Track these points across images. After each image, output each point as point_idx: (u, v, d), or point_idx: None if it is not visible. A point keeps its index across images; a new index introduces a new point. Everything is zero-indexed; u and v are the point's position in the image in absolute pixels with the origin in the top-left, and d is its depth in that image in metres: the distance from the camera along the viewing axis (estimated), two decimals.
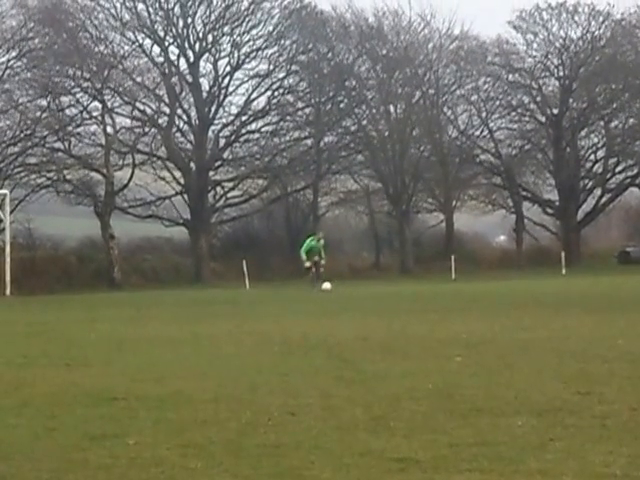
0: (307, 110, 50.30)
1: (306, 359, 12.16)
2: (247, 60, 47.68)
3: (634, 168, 54.66)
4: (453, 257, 45.75)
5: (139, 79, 46.00)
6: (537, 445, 6.87)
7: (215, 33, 47.15)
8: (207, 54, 47.39)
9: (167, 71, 46.72)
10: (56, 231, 44.95)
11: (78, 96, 44.87)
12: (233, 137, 48.33)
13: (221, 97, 47.68)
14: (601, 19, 53.25)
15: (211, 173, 47.94)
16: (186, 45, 46.85)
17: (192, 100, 47.50)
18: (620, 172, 55.04)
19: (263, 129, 48.93)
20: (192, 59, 46.95)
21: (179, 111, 47.23)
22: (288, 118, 49.44)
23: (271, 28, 47.63)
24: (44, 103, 44.09)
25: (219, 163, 48.55)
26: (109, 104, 45.15)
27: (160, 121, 46.86)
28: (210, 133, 47.88)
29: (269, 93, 48.48)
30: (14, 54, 42.89)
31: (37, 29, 43.36)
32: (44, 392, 9.76)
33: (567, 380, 9.80)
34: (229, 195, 48.39)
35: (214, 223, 48.37)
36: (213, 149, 47.73)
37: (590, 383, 9.60)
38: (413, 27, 52.18)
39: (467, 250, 51.40)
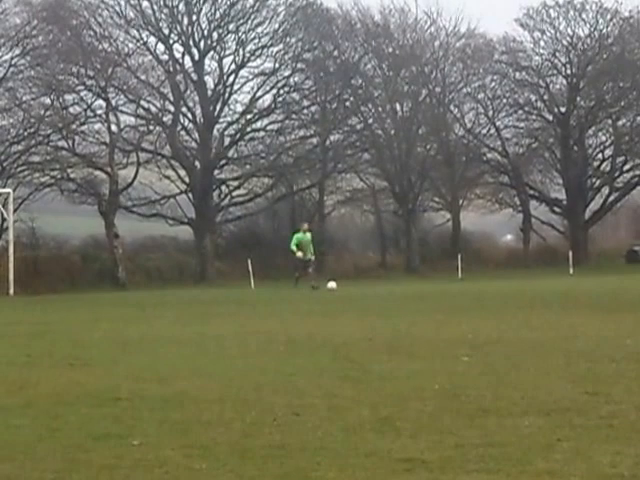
0: (313, 108, 50.12)
1: (311, 359, 12.13)
2: (252, 58, 47.48)
3: None
4: (460, 256, 45.72)
5: (143, 77, 45.69)
6: (544, 445, 6.85)
7: (220, 31, 46.93)
8: (212, 52, 47.16)
9: (172, 69, 46.49)
10: (60, 230, 44.73)
11: (82, 94, 44.56)
12: (238, 135, 48.09)
13: (226, 95, 47.46)
14: (609, 17, 53.09)
15: (216, 172, 47.67)
16: (191, 43, 46.62)
17: (197, 98, 47.24)
18: (628, 171, 54.82)
19: (268, 127, 48.72)
20: (197, 57, 46.74)
21: (184, 109, 46.96)
22: (294, 116, 49.18)
23: (277, 26, 47.47)
24: (48, 101, 43.77)
25: (224, 162, 48.30)
26: (113, 102, 44.88)
27: (165, 119, 46.57)
28: (215, 131, 47.69)
29: (274, 91, 48.24)
30: (18, 52, 42.51)
31: (41, 27, 42.96)
32: (48, 392, 9.73)
33: (575, 380, 9.77)
34: (234, 194, 48.11)
35: (219, 222, 48.18)
36: (218, 147, 47.48)
37: (598, 383, 9.56)
38: (419, 25, 52.15)
39: (474, 249, 51.28)
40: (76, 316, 22.13)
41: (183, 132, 47.66)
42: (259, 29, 47.12)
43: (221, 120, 47.78)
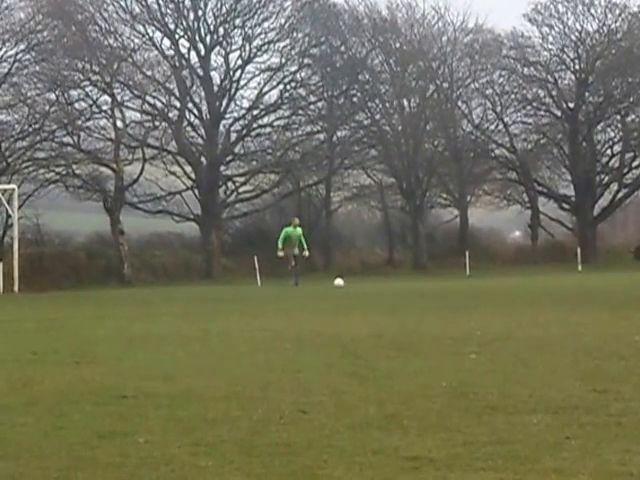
0: (320, 104, 50.05)
1: (318, 356, 12.06)
2: (259, 53, 47.38)
3: None
4: (467, 253, 45.65)
5: (149, 72, 45.58)
6: (553, 443, 6.83)
7: (226, 26, 46.80)
8: (218, 47, 47.04)
9: (178, 64, 46.35)
10: (65, 227, 44.59)
11: (87, 90, 44.45)
12: (244, 131, 47.97)
13: (232, 91, 47.32)
14: (617, 12, 52.80)
15: (222, 168, 47.59)
16: (197, 38, 46.48)
17: (203, 94, 47.16)
18: (637, 167, 54.52)
19: (275, 123, 48.60)
20: (203, 52, 46.61)
21: (190, 105, 46.84)
22: (300, 112, 49.08)
23: (283, 21, 47.35)
24: (53, 97, 43.67)
25: (230, 158, 48.18)
26: (119, 98, 44.76)
27: (170, 115, 46.44)
28: (221, 127, 47.59)
29: (281, 87, 48.12)
30: (22, 47, 42.30)
31: (46, 22, 42.77)
32: (53, 390, 9.68)
33: (583, 378, 9.73)
34: (240, 190, 48.00)
35: (225, 218, 48.06)
36: (224, 143, 47.39)
37: (606, 381, 9.51)
38: (427, 20, 51.99)
39: (482, 246, 51.14)
40: (81, 313, 22.00)
41: (189, 128, 47.54)
42: (265, 24, 47.14)
43: (227, 116, 47.76)
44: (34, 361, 12.20)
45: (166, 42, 46.35)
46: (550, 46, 53.33)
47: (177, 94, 46.34)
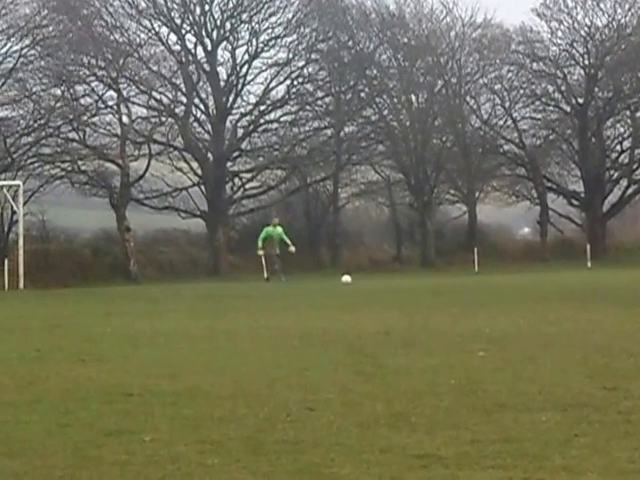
0: (327, 99, 49.84)
1: (326, 354, 12.04)
2: (266, 48, 47.21)
3: None
4: (476, 249, 45.51)
5: (155, 68, 45.42)
6: (562, 441, 6.83)
7: (233, 21, 46.64)
8: (225, 42, 46.86)
9: (184, 60, 46.23)
10: (70, 223, 44.50)
11: (93, 85, 44.34)
12: (251, 127, 47.80)
13: (239, 86, 47.17)
14: (627, 6, 52.45)
15: (229, 164, 47.38)
16: (203, 33, 46.33)
17: (209, 89, 47.00)
18: None
19: (282, 119, 48.43)
20: (209, 47, 46.44)
21: (196, 100, 46.74)
22: (307, 108, 48.87)
23: (290, 16, 47.20)
24: (58, 92, 43.43)
25: (237, 154, 47.98)
26: (125, 93, 44.63)
27: (177, 111, 46.31)
28: (228, 123, 47.36)
29: (288, 82, 47.96)
30: (27, 42, 42.09)
31: (51, 16, 42.60)
32: (58, 387, 9.68)
33: (592, 375, 9.71)
34: (247, 186, 47.88)
35: (232, 215, 47.94)
36: (231, 139, 47.21)
37: (616, 378, 9.47)
38: (435, 15, 51.78)
39: (490, 242, 50.94)
40: (87, 310, 21.89)
41: (195, 124, 47.40)
42: (272, 19, 46.98)
43: (234, 111, 47.56)
44: (39, 359, 12.19)
45: (172, 37, 46.36)
46: (559, 41, 53.20)
47: (183, 89, 46.20)
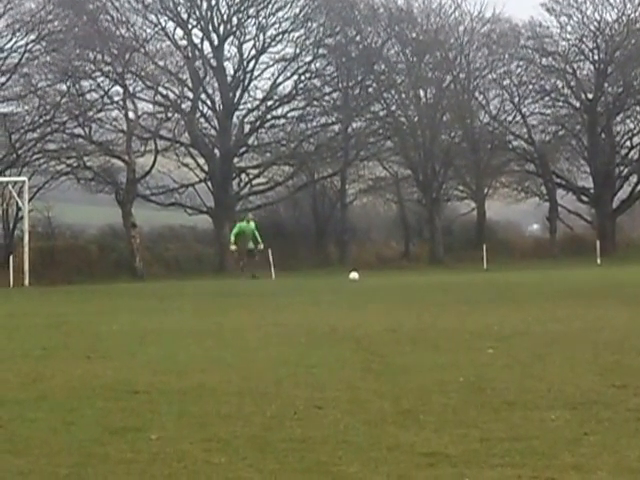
0: (334, 95, 49.63)
1: (333, 351, 12.06)
2: (273, 43, 47.15)
3: None
4: (485, 246, 45.16)
5: (162, 63, 45.31)
6: (571, 439, 6.83)
7: (240, 15, 46.56)
8: (232, 37, 46.82)
9: (190, 55, 46.16)
10: (76, 220, 44.57)
11: (99, 80, 44.21)
12: (258, 123, 47.69)
13: (246, 81, 47.10)
14: (637, 1, 52.07)
15: (236, 160, 47.30)
16: (210, 28, 46.26)
17: (216, 85, 46.91)
18: None
19: (289, 114, 48.29)
20: (216, 42, 46.37)
21: (203, 96, 46.63)
22: (315, 103, 48.71)
23: (298, 10, 47.08)
24: (64, 88, 43.40)
25: (244, 149, 47.92)
26: (131, 89, 44.48)
27: (183, 106, 46.26)
28: (235, 118, 47.28)
29: (295, 77, 47.88)
30: (33, 37, 42.03)
31: (57, 11, 42.54)
32: (63, 385, 9.70)
33: (602, 373, 9.73)
34: (254, 182, 47.78)
35: (239, 211, 47.29)
36: (238, 135, 47.07)
37: (626, 376, 9.49)
38: (444, 9, 51.46)
39: (499, 239, 50.73)
40: (92, 307, 21.89)
41: (202, 119, 47.31)
42: (280, 14, 46.88)
43: (241, 107, 47.51)
44: (44, 356, 12.17)
45: (179, 32, 46.33)
46: (568, 36, 52.87)
47: (190, 85, 46.13)
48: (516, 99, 52.57)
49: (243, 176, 47.69)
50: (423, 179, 49.47)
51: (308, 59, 47.95)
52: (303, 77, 47.96)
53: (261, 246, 35.60)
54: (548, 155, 52.54)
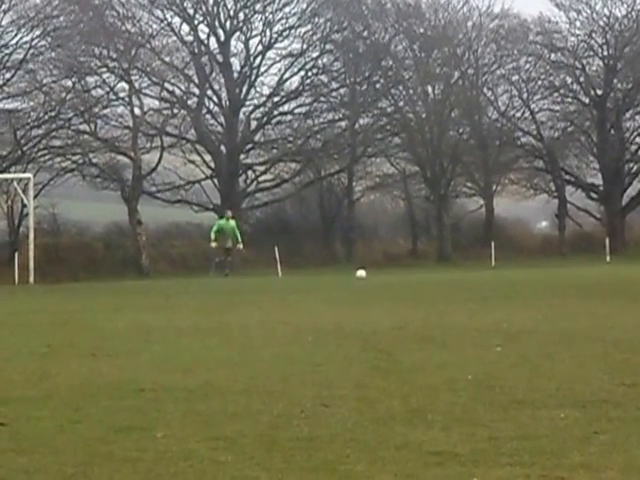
0: (342, 91, 49.43)
1: (340, 349, 12.02)
2: (279, 39, 47.00)
3: None
4: (493, 243, 45.12)
5: (168, 59, 45.17)
6: (580, 438, 6.80)
7: (246, 11, 46.41)
8: (238, 33, 46.66)
9: (197, 50, 46.05)
10: (81, 217, 44.40)
11: (104, 76, 44.04)
12: (265, 119, 47.56)
13: (252, 77, 46.96)
14: None
15: (242, 156, 47.15)
16: (216, 23, 46.09)
17: (222, 81, 46.78)
18: None
19: (296, 110, 48.17)
20: (223, 38, 46.22)
21: (209, 92, 46.51)
22: (322, 99, 48.56)
23: (304, 6, 46.91)
24: (69, 84, 43.26)
25: (250, 146, 47.78)
26: (137, 85, 44.25)
27: (189, 102, 46.12)
28: (241, 115, 47.16)
29: (302, 73, 47.72)
30: (38, 33, 41.80)
31: (62, 7, 42.28)
32: (69, 383, 9.67)
33: (611, 371, 9.67)
34: (260, 179, 47.66)
35: (245, 208, 47.65)
36: (244, 131, 46.89)
37: (635, 374, 9.45)
38: (452, 5, 51.23)
39: (507, 236, 50.48)
40: (98, 305, 21.83)
41: (208, 115, 47.27)
42: (286, 9, 46.75)
43: (247, 103, 47.47)
44: (50, 354, 12.16)
45: (185, 28, 46.16)
46: (578, 32, 52.63)
47: (196, 81, 46.02)
48: (525, 95, 52.40)
49: (249, 173, 47.57)
50: (431, 176, 49.31)
51: (315, 55, 47.85)
52: (310, 73, 47.80)
53: (240, 245, 35.67)
54: (557, 152, 52.33)
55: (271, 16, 46.37)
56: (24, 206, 39.71)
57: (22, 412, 8.16)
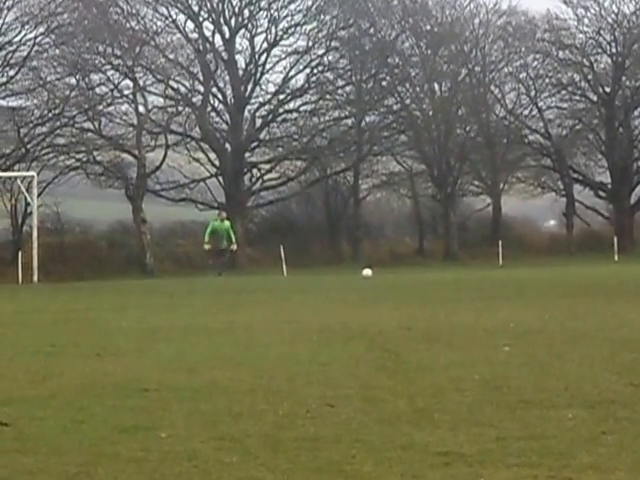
0: (348, 88, 49.30)
1: (346, 349, 11.97)
2: (285, 36, 46.77)
3: None
4: (500, 242, 45.02)
5: (172, 56, 44.99)
6: (588, 439, 6.76)
7: (252, 8, 46.18)
8: (243, 30, 46.45)
9: (201, 48, 45.83)
10: (85, 215, 44.27)
11: (109, 74, 43.89)
12: (270, 117, 47.40)
13: (258, 75, 46.77)
14: None
15: (247, 154, 46.95)
16: (221, 20, 45.87)
17: (227, 78, 46.58)
18: None
19: (301, 108, 48.00)
20: (228, 35, 46.02)
21: (214, 89, 46.28)
22: (328, 97, 48.40)
23: (310, 3, 46.69)
24: (73, 81, 43.16)
25: (255, 144, 47.55)
26: (141, 82, 44.15)
27: (194, 100, 45.93)
28: (246, 112, 46.94)
29: (308, 70, 47.54)
30: (42, 30, 41.67)
31: (66, 4, 42.06)
32: (73, 383, 9.62)
33: (620, 371, 9.61)
34: (266, 177, 47.41)
35: (250, 207, 47.54)
36: (249, 129, 46.75)
37: None
38: (459, 2, 51.15)
39: (515, 235, 50.42)
40: (102, 304, 21.71)
41: (213, 113, 47.07)
42: (292, 6, 46.58)
43: (252, 101, 47.22)
44: (54, 353, 12.12)
45: (190, 25, 46.02)
46: (586, 29, 52.54)
47: (201, 78, 45.82)
48: (532, 93, 52.33)
49: (255, 171, 47.40)
50: (438, 174, 49.22)
51: (321, 52, 47.63)
52: (316, 70, 47.66)
53: (234, 246, 35.37)
54: (565, 150, 52.29)
55: (276, 13, 46.28)
56: (28, 204, 39.62)
57: (26, 412, 8.13)
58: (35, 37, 41.61)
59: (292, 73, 47.12)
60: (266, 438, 6.95)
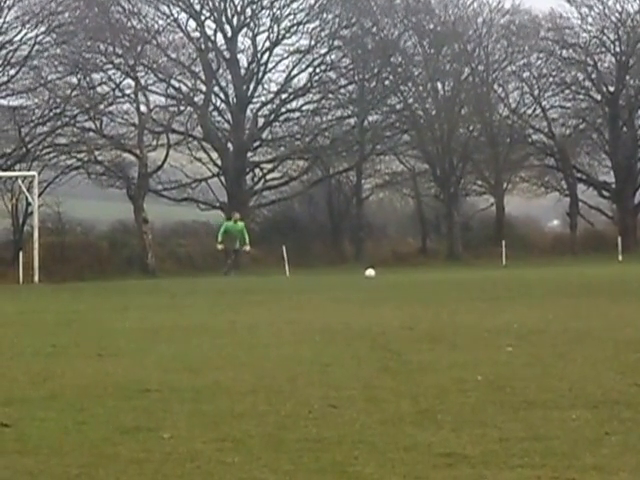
0: (350, 87, 49.23)
1: (349, 349, 11.98)
2: (287, 35, 46.73)
3: None
4: (504, 242, 44.88)
5: (174, 55, 44.98)
6: (592, 439, 6.75)
7: (254, 6, 46.14)
8: (245, 29, 46.42)
9: (203, 47, 45.79)
10: (87, 215, 44.26)
11: (110, 73, 43.88)
12: (272, 116, 47.34)
13: (260, 74, 46.75)
14: None
15: (249, 154, 46.92)
16: (223, 19, 45.85)
17: (229, 77, 46.59)
18: None
19: (304, 107, 47.91)
20: (230, 34, 45.97)
21: (216, 89, 46.26)
22: (330, 96, 48.31)
23: (312, 1, 46.60)
24: (74, 80, 43.06)
25: (258, 143, 47.54)
26: (142, 81, 44.13)
27: (196, 99, 45.86)
28: (248, 112, 46.95)
29: (310, 70, 47.45)
30: (43, 29, 41.65)
31: (67, 2, 42.08)
32: (74, 384, 9.64)
33: (624, 371, 9.64)
34: (268, 177, 47.38)
35: (252, 207, 47.44)
36: (251, 129, 46.70)
37: None
38: (462, 0, 50.90)
39: (518, 235, 50.17)
40: (104, 304, 21.86)
41: (215, 113, 47.10)
42: (294, 5, 46.50)
43: (255, 100, 47.21)
44: (55, 354, 12.18)
45: (191, 24, 45.96)
46: (589, 27, 52.35)
47: (203, 77, 45.78)
48: (536, 92, 52.14)
49: (257, 171, 47.38)
50: (441, 174, 49.10)
51: (323, 51, 47.58)
52: (318, 69, 47.60)
53: (247, 247, 35.55)
54: (568, 149, 52.06)
55: (279, 12, 46.23)
56: (28, 204, 39.58)
57: (26, 413, 8.13)
58: (36, 36, 41.62)
59: (294, 72, 47.20)
60: (268, 439, 6.95)
